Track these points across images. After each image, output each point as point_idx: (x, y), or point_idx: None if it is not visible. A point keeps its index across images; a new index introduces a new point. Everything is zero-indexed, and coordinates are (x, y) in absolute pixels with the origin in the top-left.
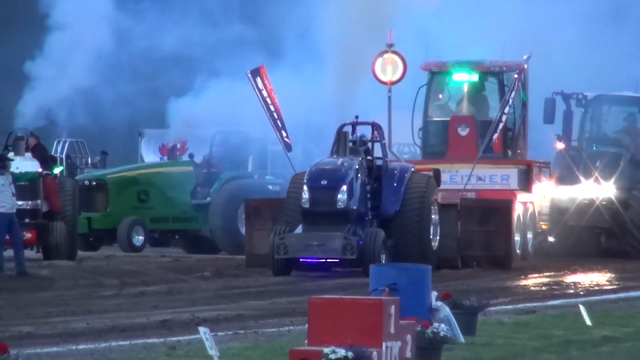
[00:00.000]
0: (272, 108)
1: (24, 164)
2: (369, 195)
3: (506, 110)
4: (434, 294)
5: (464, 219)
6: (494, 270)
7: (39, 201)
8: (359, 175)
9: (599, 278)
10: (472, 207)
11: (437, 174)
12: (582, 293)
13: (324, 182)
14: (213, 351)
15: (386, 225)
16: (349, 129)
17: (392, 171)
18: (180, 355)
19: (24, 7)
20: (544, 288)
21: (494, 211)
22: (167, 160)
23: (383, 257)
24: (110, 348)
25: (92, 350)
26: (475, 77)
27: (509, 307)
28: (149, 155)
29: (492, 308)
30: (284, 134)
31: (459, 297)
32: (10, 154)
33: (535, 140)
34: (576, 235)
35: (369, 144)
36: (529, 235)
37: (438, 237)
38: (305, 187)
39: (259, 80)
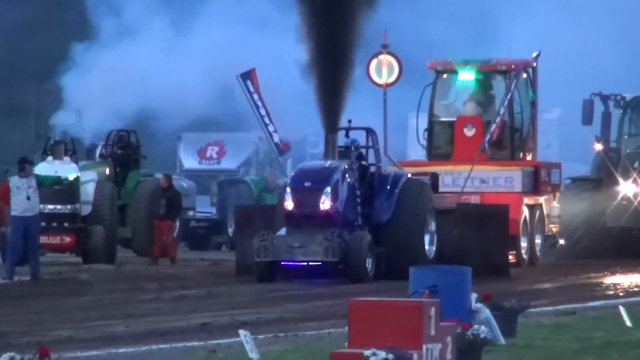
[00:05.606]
0: (262, 112)
1: (63, 167)
2: (359, 200)
3: (504, 108)
4: (474, 295)
5: (461, 225)
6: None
7: (77, 205)
8: (347, 177)
9: (638, 279)
10: (469, 212)
11: (434, 178)
12: (621, 294)
13: (307, 184)
14: (253, 354)
15: (379, 232)
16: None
17: (385, 177)
18: (220, 358)
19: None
20: (583, 289)
21: (491, 216)
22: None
23: (369, 261)
24: (150, 352)
25: (132, 354)
26: (482, 76)
27: (549, 308)
28: (188, 159)
29: (532, 310)
30: (276, 138)
31: (499, 298)
32: (49, 158)
33: (574, 140)
34: (614, 236)
35: (362, 150)
36: (537, 240)
37: (434, 247)
38: (288, 190)
39: (249, 83)
